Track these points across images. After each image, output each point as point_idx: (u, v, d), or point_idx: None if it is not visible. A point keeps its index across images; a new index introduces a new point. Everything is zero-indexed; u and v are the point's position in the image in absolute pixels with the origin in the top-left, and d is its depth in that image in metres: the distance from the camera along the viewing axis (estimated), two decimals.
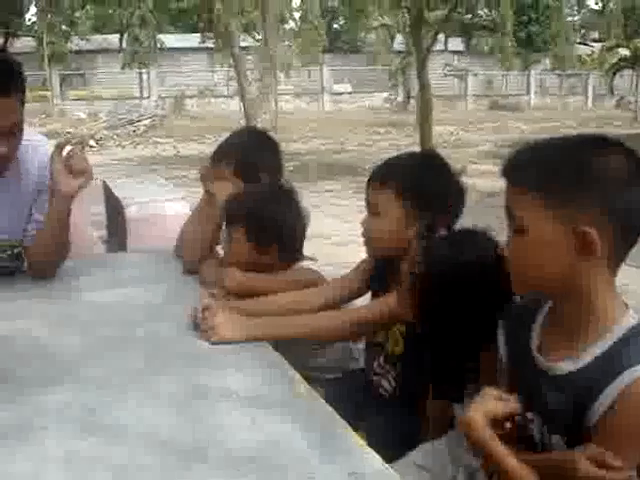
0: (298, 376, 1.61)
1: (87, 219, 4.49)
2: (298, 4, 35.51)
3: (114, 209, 6.10)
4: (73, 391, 1.54)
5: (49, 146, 2.34)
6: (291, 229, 2.27)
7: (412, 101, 25.70)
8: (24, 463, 1.26)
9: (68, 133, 17.67)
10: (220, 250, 2.49)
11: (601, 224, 1.24)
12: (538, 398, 1.34)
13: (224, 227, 2.37)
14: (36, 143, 2.35)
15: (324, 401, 1.48)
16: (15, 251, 2.35)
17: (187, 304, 1.97)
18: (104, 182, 6.77)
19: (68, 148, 2.25)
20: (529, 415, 1.34)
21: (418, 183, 1.94)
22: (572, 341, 1.31)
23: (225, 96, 28.96)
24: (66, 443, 1.32)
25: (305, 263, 2.29)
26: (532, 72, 33.92)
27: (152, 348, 1.79)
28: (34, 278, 2.34)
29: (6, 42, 31.44)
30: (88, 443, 1.32)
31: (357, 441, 1.32)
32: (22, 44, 31.88)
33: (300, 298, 2.05)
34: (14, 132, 2.14)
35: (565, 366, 1.31)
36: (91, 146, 17.18)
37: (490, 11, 34.29)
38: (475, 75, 33.51)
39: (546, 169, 1.29)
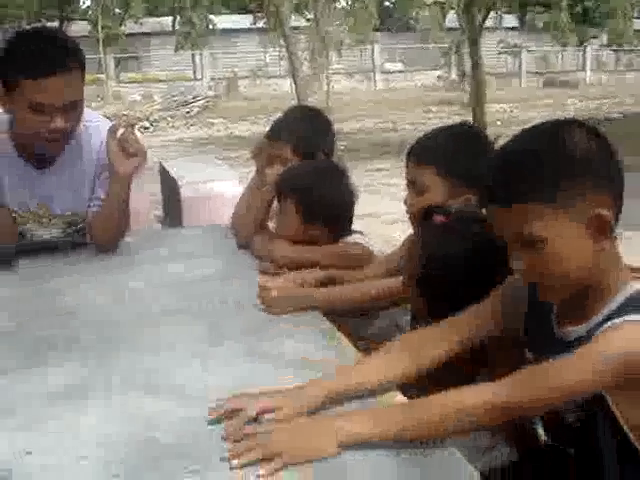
0: (349, 344, 1.68)
1: (145, 198, 4.61)
2: None
3: (170, 189, 6.23)
4: (136, 356, 1.63)
5: (108, 126, 2.44)
6: (339, 205, 2.34)
7: (466, 79, 25.45)
8: (89, 417, 1.35)
9: (124, 115, 17.94)
10: (272, 225, 2.56)
11: (605, 201, 1.30)
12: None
13: (275, 203, 2.44)
14: (96, 123, 2.45)
15: None
16: (78, 226, 2.46)
17: (242, 277, 2.05)
18: (160, 163, 6.92)
19: (121, 131, 2.34)
20: None
21: (457, 157, 1.98)
22: (584, 314, 1.37)
23: (277, 77, 29.00)
24: (129, 401, 1.41)
25: (354, 237, 2.35)
26: (588, 48, 33.28)
27: (211, 317, 1.87)
28: (96, 252, 2.44)
29: (61, 26, 31.91)
30: (150, 401, 1.40)
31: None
32: (77, 28, 32.33)
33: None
34: (75, 108, 2.23)
35: (575, 333, 1.38)
36: (145, 128, 17.43)
37: None
38: (530, 52, 33.00)
39: (537, 179, 1.29)
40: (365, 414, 1.28)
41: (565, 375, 1.26)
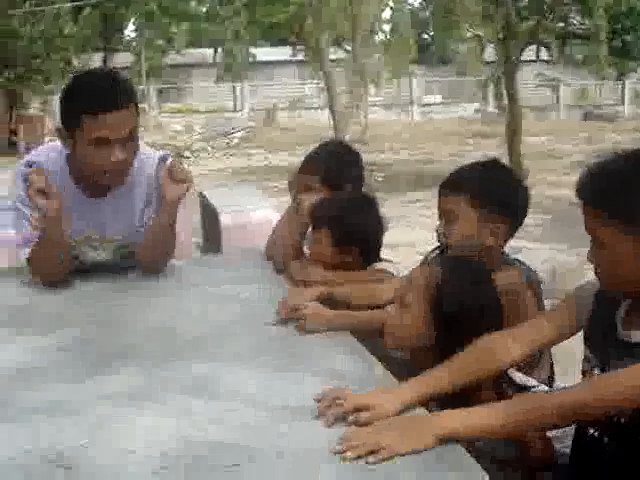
0: (374, 359, 1.85)
1: (188, 226, 4.80)
2: (388, 17, 35.68)
3: (209, 217, 6.41)
4: (190, 364, 1.82)
5: (157, 158, 2.63)
6: (370, 233, 2.52)
7: (503, 112, 25.51)
8: (148, 418, 1.53)
9: (167, 145, 18.30)
10: (307, 251, 2.72)
11: None
12: (608, 360, 1.57)
13: (310, 230, 2.61)
14: (145, 156, 2.62)
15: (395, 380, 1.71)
16: (127, 249, 2.65)
17: (279, 299, 2.21)
18: (200, 192, 7.12)
19: (170, 160, 2.54)
20: (596, 371, 1.59)
21: (490, 189, 2.13)
22: None
23: (315, 108, 29.33)
24: (183, 402, 1.60)
25: (383, 265, 2.51)
26: (627, 82, 33.19)
27: (253, 333, 2.07)
28: (144, 274, 2.63)
29: (105, 57, 32.65)
30: (202, 402, 1.59)
31: None
32: (120, 59, 33.04)
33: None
34: (132, 140, 2.41)
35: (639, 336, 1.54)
36: (187, 157, 17.76)
37: (583, 20, 33.71)
38: (568, 85, 33.00)
39: (618, 196, 1.50)
40: (460, 412, 1.45)
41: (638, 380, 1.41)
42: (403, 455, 1.34)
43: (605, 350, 1.60)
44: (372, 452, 1.34)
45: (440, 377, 1.61)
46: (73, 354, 1.92)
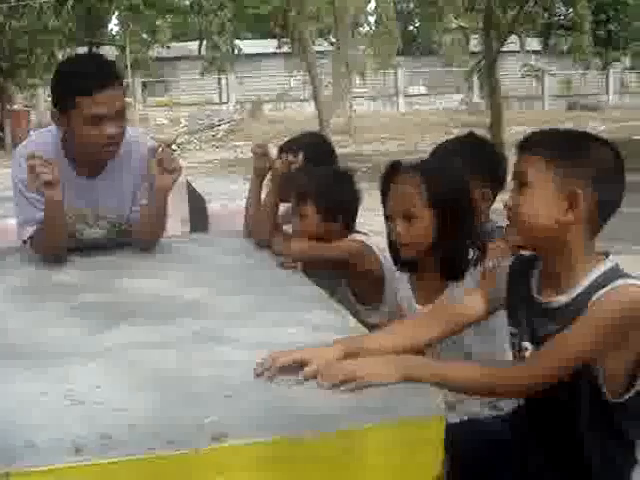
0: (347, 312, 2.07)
1: (176, 215, 4.96)
2: (372, 8, 35.75)
3: (196, 206, 6.52)
4: (190, 320, 2.01)
5: (146, 139, 2.79)
6: (352, 204, 2.71)
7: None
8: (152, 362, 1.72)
9: (153, 139, 18.31)
10: (285, 227, 2.88)
11: (587, 191, 1.60)
12: (533, 329, 1.70)
13: (292, 205, 2.78)
14: (135, 138, 2.77)
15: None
16: (121, 228, 2.80)
17: (266, 267, 2.49)
18: (187, 181, 7.21)
19: (160, 150, 2.67)
20: (525, 344, 1.71)
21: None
22: (562, 284, 1.67)
23: (301, 100, 29.42)
24: (186, 348, 1.80)
25: (360, 236, 2.70)
26: (611, 71, 33.41)
27: (244, 294, 2.26)
28: (136, 250, 2.78)
29: (90, 50, 32.61)
30: (202, 349, 1.79)
31: None
32: (105, 53, 33.02)
33: None
34: (123, 116, 2.58)
35: (557, 301, 1.66)
36: (173, 150, 17.82)
37: (568, 10, 33.89)
38: (553, 75, 33.19)
39: (556, 145, 1.66)
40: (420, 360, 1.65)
41: (572, 345, 1.56)
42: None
43: (530, 321, 1.72)
44: (346, 381, 1.48)
45: (396, 334, 1.79)
46: (82, 314, 2.09)
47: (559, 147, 1.65)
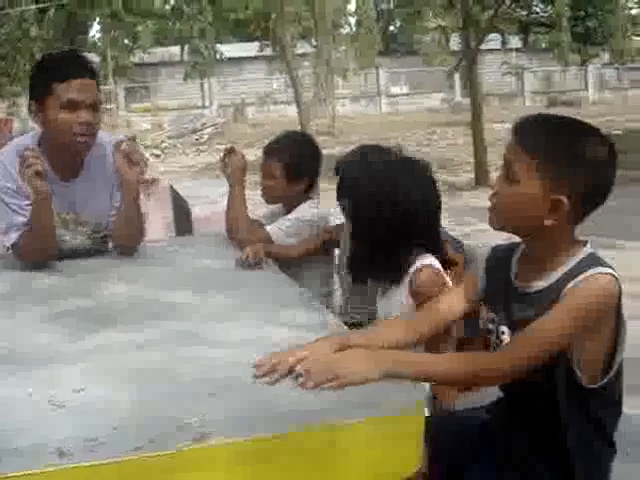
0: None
1: (160, 219, 4.96)
2: (353, 10, 35.81)
3: (180, 209, 6.52)
4: (173, 322, 2.01)
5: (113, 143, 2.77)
6: (317, 165, 2.93)
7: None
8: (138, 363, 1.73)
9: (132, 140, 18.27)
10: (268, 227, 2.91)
11: (572, 194, 1.61)
12: (510, 313, 1.72)
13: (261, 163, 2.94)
14: (110, 142, 2.76)
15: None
16: (101, 233, 2.80)
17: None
18: (170, 185, 7.21)
19: (124, 144, 2.70)
20: (503, 328, 1.73)
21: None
22: (540, 270, 1.69)
23: (284, 102, 29.44)
24: (169, 348, 1.81)
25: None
26: (590, 67, 33.61)
27: (227, 296, 2.26)
28: (118, 256, 2.77)
29: None
30: (184, 348, 1.81)
31: None
32: None
33: None
34: (97, 109, 2.63)
35: (535, 286, 1.69)
36: (157, 155, 17.79)
37: (546, 7, 34.10)
38: (533, 72, 33.36)
39: (549, 143, 1.63)
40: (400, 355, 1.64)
41: (550, 330, 1.58)
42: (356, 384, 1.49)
43: (507, 306, 1.74)
44: (328, 380, 1.47)
45: (384, 332, 1.80)
46: (65, 318, 2.08)
47: (551, 146, 1.63)
